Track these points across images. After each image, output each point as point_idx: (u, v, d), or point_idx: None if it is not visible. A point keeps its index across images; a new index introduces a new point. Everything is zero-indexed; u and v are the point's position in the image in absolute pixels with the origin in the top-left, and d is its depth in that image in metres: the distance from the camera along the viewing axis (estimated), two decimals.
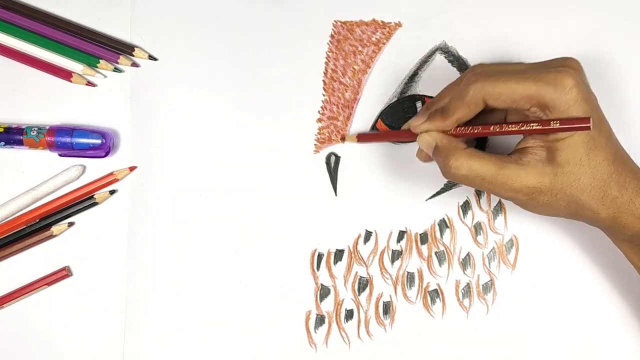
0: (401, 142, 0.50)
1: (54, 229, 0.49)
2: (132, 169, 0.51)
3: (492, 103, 0.41)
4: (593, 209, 0.41)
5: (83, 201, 0.50)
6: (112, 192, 0.50)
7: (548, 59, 0.43)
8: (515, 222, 0.51)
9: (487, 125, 0.42)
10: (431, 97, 0.51)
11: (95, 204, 0.50)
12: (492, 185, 0.42)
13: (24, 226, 0.50)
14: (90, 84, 0.51)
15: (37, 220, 0.50)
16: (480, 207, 0.51)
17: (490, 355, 0.50)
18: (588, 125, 0.39)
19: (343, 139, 0.51)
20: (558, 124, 0.40)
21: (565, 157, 0.40)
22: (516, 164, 0.41)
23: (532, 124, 0.40)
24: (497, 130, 0.42)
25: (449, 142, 0.43)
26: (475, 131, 0.43)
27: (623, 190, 0.41)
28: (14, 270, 0.50)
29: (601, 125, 0.41)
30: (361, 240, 0.51)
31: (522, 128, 0.41)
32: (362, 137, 0.50)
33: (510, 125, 0.41)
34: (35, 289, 0.49)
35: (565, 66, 0.41)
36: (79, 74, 0.51)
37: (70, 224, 0.50)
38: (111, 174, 0.50)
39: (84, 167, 0.50)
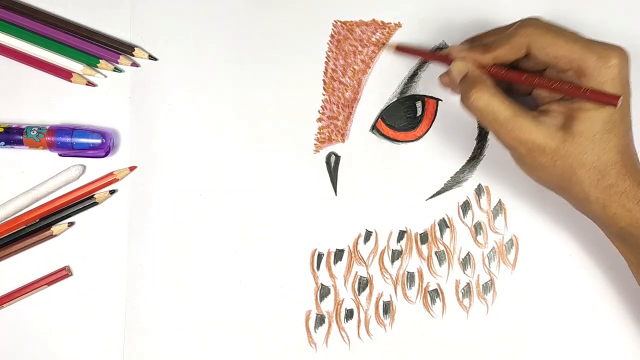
0: (438, 62, 0.48)
1: (54, 228, 0.49)
2: (132, 168, 0.51)
3: (536, 53, 0.41)
4: (585, 188, 0.41)
5: (83, 201, 0.50)
6: (112, 192, 0.50)
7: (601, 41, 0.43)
8: (515, 222, 0.51)
9: (521, 73, 0.43)
10: (431, 97, 0.51)
11: (95, 203, 0.50)
12: (501, 128, 0.42)
13: (24, 226, 0.50)
14: (90, 84, 0.51)
15: (37, 220, 0.50)
16: (480, 207, 0.51)
17: (490, 355, 0.50)
18: (615, 102, 0.40)
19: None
20: (589, 92, 0.40)
21: (580, 128, 0.40)
22: (532, 118, 0.41)
23: (564, 84, 0.41)
24: (529, 79, 0.42)
25: (480, 74, 0.43)
26: (509, 74, 0.43)
27: (620, 181, 0.41)
28: (14, 270, 0.50)
29: (625, 113, 0.41)
30: (361, 240, 0.51)
31: (554, 85, 0.42)
32: (401, 49, 0.50)
33: (543, 79, 0.42)
34: (35, 289, 0.49)
35: (617, 49, 0.41)
36: (79, 74, 0.51)
37: (71, 224, 0.50)
38: (111, 173, 0.50)
39: (84, 167, 0.50)
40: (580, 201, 0.43)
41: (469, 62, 0.44)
